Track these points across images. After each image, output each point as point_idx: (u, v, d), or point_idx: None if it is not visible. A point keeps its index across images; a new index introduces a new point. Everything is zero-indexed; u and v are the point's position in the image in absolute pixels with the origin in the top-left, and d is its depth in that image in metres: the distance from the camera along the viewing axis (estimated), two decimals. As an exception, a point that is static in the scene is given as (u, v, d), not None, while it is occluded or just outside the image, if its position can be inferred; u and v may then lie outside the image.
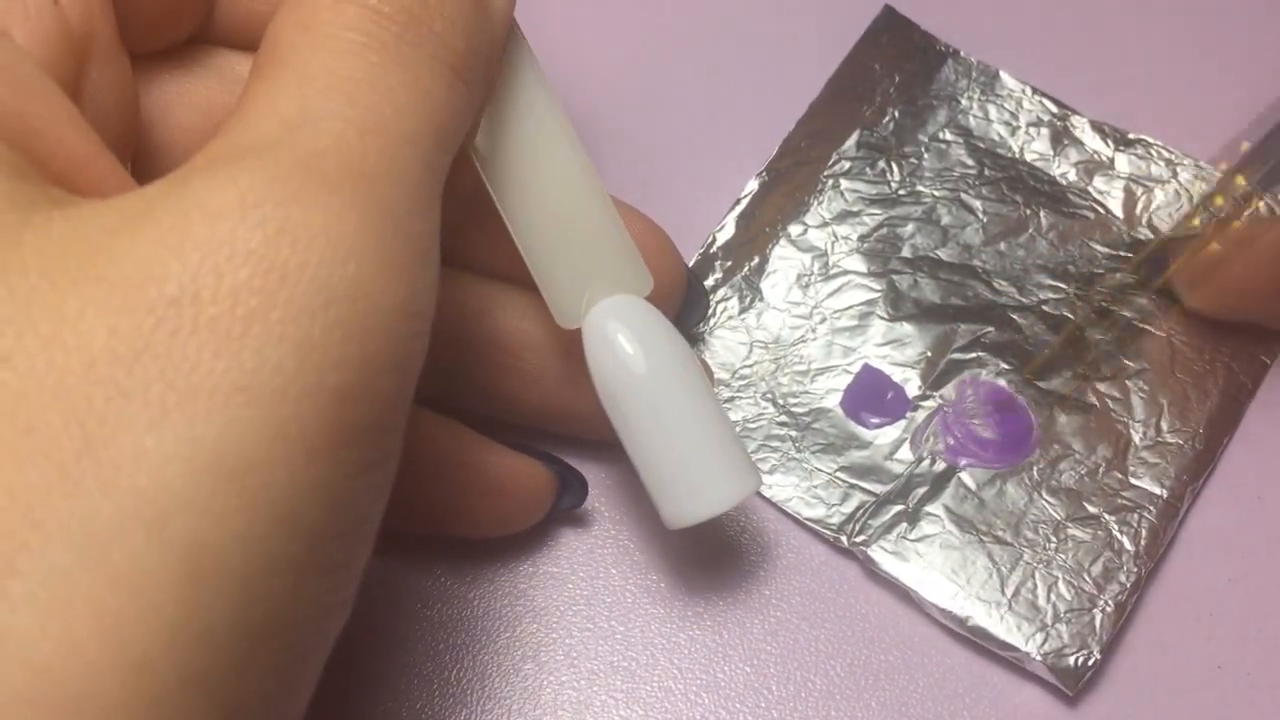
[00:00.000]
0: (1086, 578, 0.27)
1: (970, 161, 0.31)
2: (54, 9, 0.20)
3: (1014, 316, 0.29)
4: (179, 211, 0.17)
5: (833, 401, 0.29)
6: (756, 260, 0.30)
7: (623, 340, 0.24)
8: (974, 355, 0.29)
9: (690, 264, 0.30)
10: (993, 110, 0.32)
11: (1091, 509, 0.27)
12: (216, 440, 0.16)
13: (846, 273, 0.30)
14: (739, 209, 0.31)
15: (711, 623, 0.27)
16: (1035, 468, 0.28)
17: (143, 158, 0.23)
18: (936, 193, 0.31)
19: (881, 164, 0.31)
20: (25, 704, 0.14)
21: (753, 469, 0.25)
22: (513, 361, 0.26)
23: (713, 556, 0.28)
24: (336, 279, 0.17)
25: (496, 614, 0.27)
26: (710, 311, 0.30)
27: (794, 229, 0.31)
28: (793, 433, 0.29)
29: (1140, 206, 0.31)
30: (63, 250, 0.16)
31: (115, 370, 0.16)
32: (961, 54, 0.33)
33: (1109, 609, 0.26)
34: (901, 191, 0.31)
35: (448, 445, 0.26)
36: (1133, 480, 0.28)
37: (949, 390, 0.29)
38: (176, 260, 0.16)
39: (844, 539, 0.27)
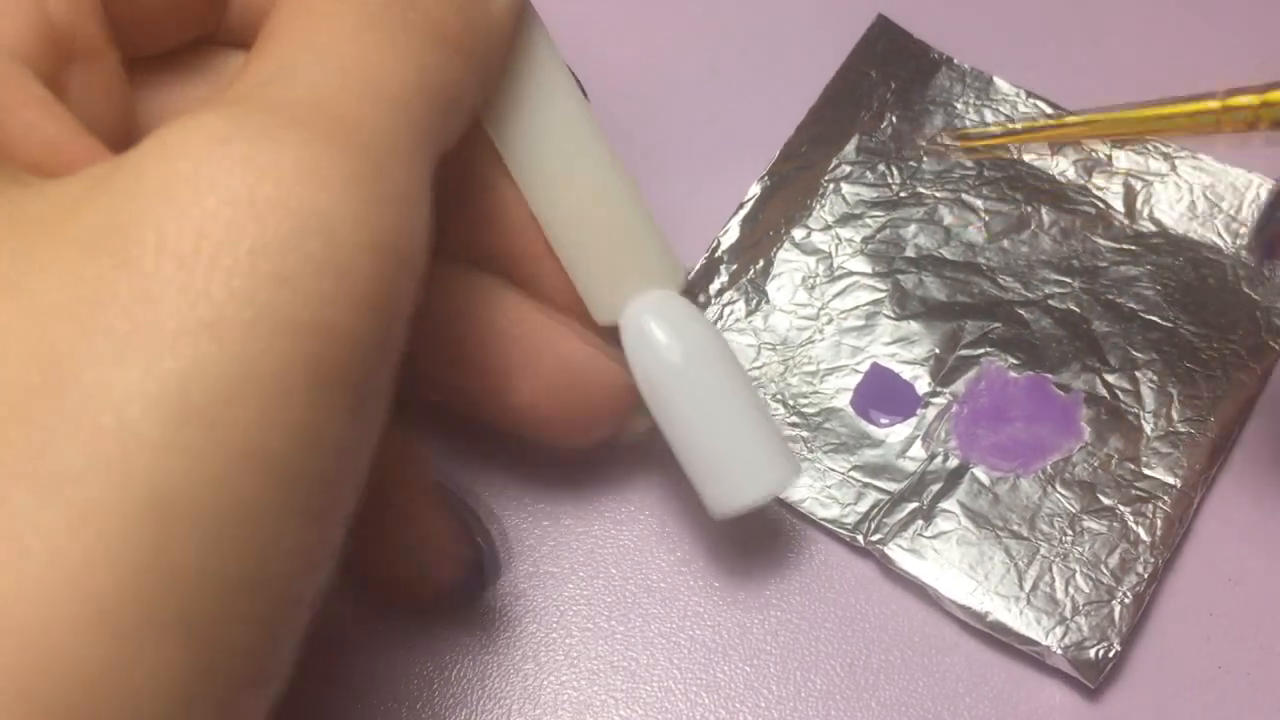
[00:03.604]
0: (1104, 570, 0.27)
1: (969, 163, 0.32)
2: (34, 2, 0.20)
3: (1020, 311, 0.30)
4: (140, 163, 0.16)
5: (843, 401, 0.29)
6: (761, 264, 0.30)
7: (659, 333, 0.24)
8: (982, 351, 0.29)
9: (696, 268, 0.30)
10: (989, 114, 0.32)
11: (1106, 501, 0.27)
12: (184, 377, 0.15)
13: (851, 274, 0.30)
14: (742, 213, 0.31)
15: (711, 623, 0.27)
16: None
17: None
18: (937, 194, 0.31)
19: (881, 167, 0.32)
20: None
21: (793, 457, 0.25)
22: (444, 343, 0.25)
23: (713, 557, 0.28)
24: (309, 211, 0.16)
25: (496, 614, 0.27)
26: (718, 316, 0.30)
27: (797, 232, 0.31)
28: (804, 433, 0.28)
29: (1141, 200, 0.31)
30: (33, 222, 0.16)
31: (78, 310, 0.15)
32: (955, 61, 0.33)
33: (1127, 600, 0.26)
34: (903, 194, 0.31)
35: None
36: (1146, 471, 0.28)
37: (959, 386, 0.29)
38: (136, 200, 0.16)
39: (860, 538, 0.27)
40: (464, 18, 0.21)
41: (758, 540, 0.28)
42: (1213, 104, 0.22)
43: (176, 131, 0.17)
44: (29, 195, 0.17)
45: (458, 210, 0.24)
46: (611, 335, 0.25)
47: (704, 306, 0.30)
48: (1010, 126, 0.27)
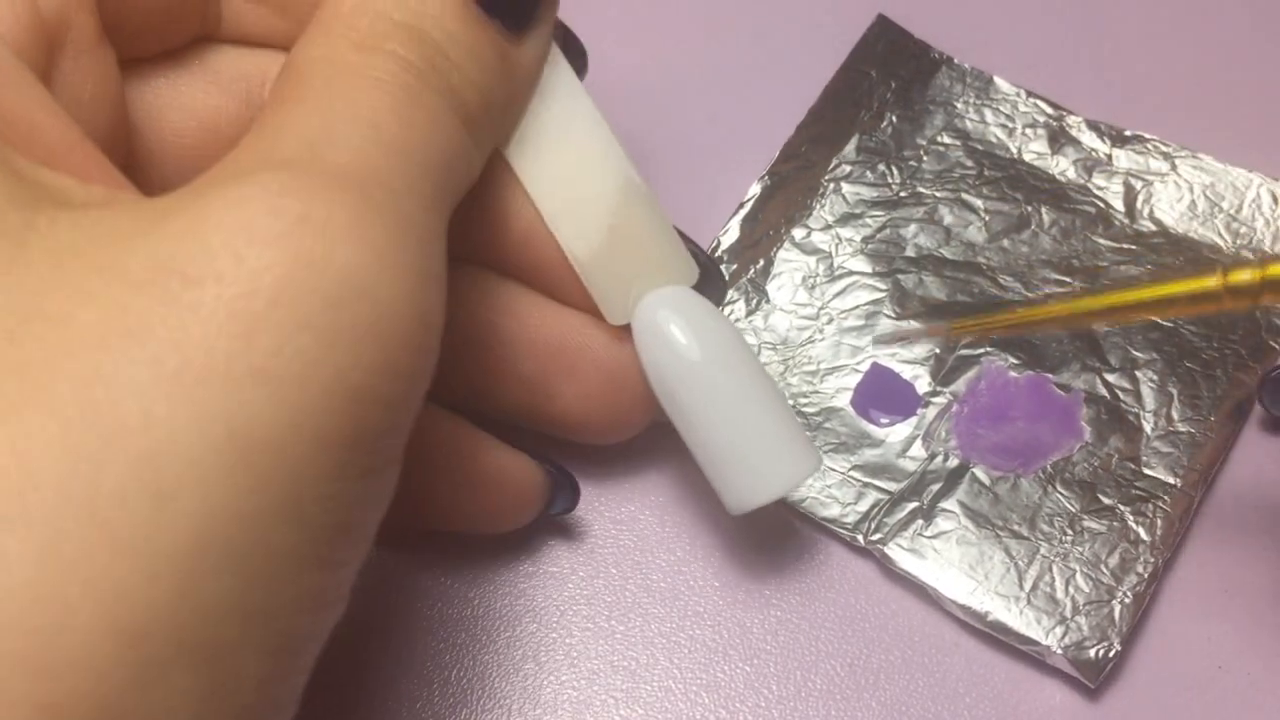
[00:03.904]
0: (1104, 569, 0.27)
1: (969, 163, 0.32)
2: None
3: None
4: (197, 209, 0.17)
5: (843, 401, 0.29)
6: (761, 263, 0.30)
7: (674, 330, 0.24)
8: (982, 350, 0.29)
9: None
10: (989, 114, 0.32)
11: (1106, 500, 0.27)
12: (232, 418, 0.15)
13: (851, 273, 0.30)
14: (742, 212, 0.31)
15: (711, 622, 0.27)
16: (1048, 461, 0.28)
17: (134, 164, 0.23)
18: (937, 194, 0.31)
19: (881, 167, 0.32)
20: (14, 662, 0.14)
21: (813, 449, 0.25)
22: (481, 356, 0.26)
23: (712, 557, 0.28)
24: (361, 276, 0.17)
25: (496, 614, 0.27)
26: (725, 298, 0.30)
27: (797, 232, 0.31)
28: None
29: (1141, 200, 0.31)
30: (73, 249, 0.16)
31: (127, 343, 0.15)
32: (955, 60, 0.33)
33: (1127, 600, 0.26)
34: (903, 193, 0.31)
35: (442, 436, 0.25)
36: (1146, 470, 0.28)
37: (959, 385, 0.29)
38: (195, 243, 0.16)
39: (860, 538, 0.27)
40: (484, 101, 0.21)
41: (758, 540, 0.28)
42: (1213, 282, 0.21)
43: (235, 183, 0.17)
44: (61, 225, 0.17)
45: (469, 219, 0.24)
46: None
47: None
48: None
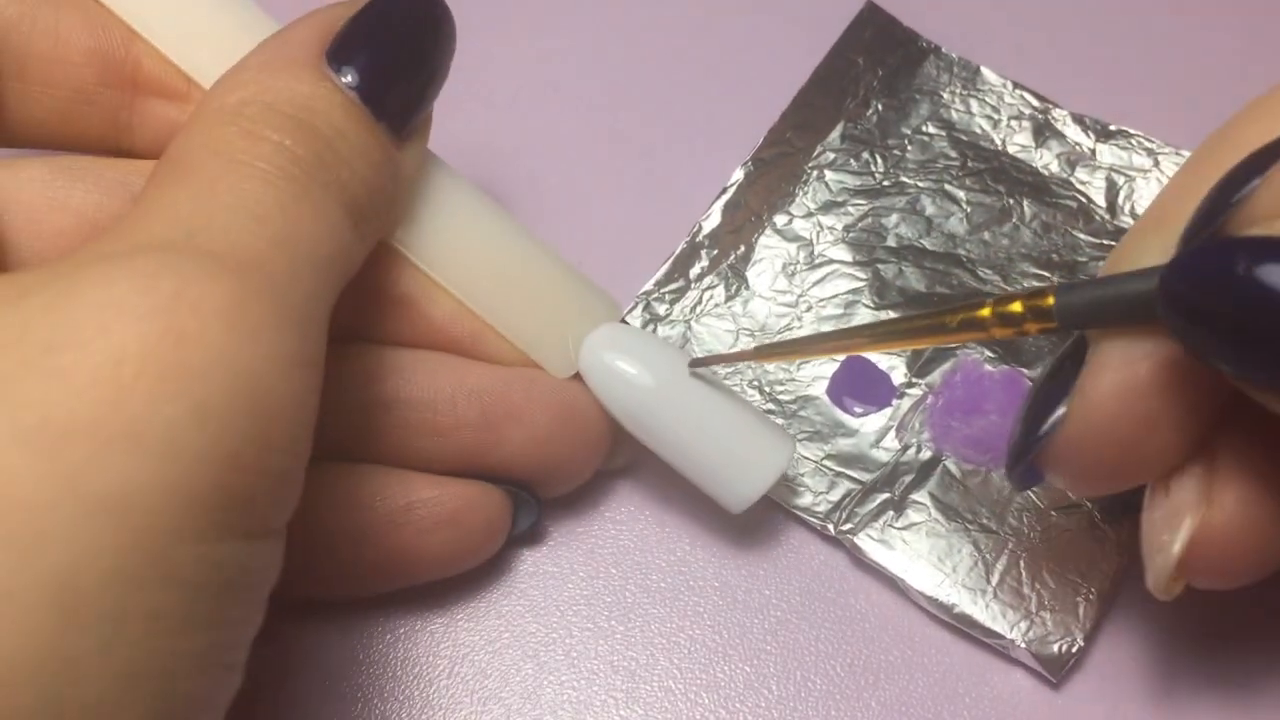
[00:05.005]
0: (1071, 565, 0.27)
1: (953, 153, 0.32)
2: None
3: (998, 305, 0.30)
4: (65, 284, 0.17)
5: (819, 389, 0.29)
6: (742, 249, 0.30)
7: (623, 365, 0.25)
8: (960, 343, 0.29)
9: (677, 252, 0.30)
10: (975, 104, 0.32)
11: (1075, 497, 0.28)
12: (97, 477, 0.16)
13: (832, 262, 0.30)
14: (725, 198, 0.31)
15: (711, 623, 0.27)
16: None
17: (13, 264, 0.23)
18: (920, 183, 0.31)
19: (865, 155, 0.32)
20: None
21: (782, 428, 0.27)
22: (424, 416, 0.25)
23: (712, 556, 0.28)
24: (235, 352, 0.17)
25: (496, 613, 0.27)
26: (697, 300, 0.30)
27: (779, 219, 0.31)
28: (779, 420, 0.28)
29: (1123, 196, 0.31)
30: None
31: None
32: (943, 50, 0.33)
33: (1093, 596, 0.27)
34: (886, 182, 0.31)
35: (384, 490, 0.25)
36: (1117, 467, 0.28)
37: (935, 377, 0.29)
38: (60, 314, 0.16)
39: (831, 527, 0.27)
40: (372, 196, 0.22)
41: (758, 540, 0.28)
42: (984, 311, 0.22)
43: (108, 262, 0.17)
44: None
45: (387, 316, 0.25)
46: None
47: (683, 291, 0.30)
48: (748, 349, 0.26)
